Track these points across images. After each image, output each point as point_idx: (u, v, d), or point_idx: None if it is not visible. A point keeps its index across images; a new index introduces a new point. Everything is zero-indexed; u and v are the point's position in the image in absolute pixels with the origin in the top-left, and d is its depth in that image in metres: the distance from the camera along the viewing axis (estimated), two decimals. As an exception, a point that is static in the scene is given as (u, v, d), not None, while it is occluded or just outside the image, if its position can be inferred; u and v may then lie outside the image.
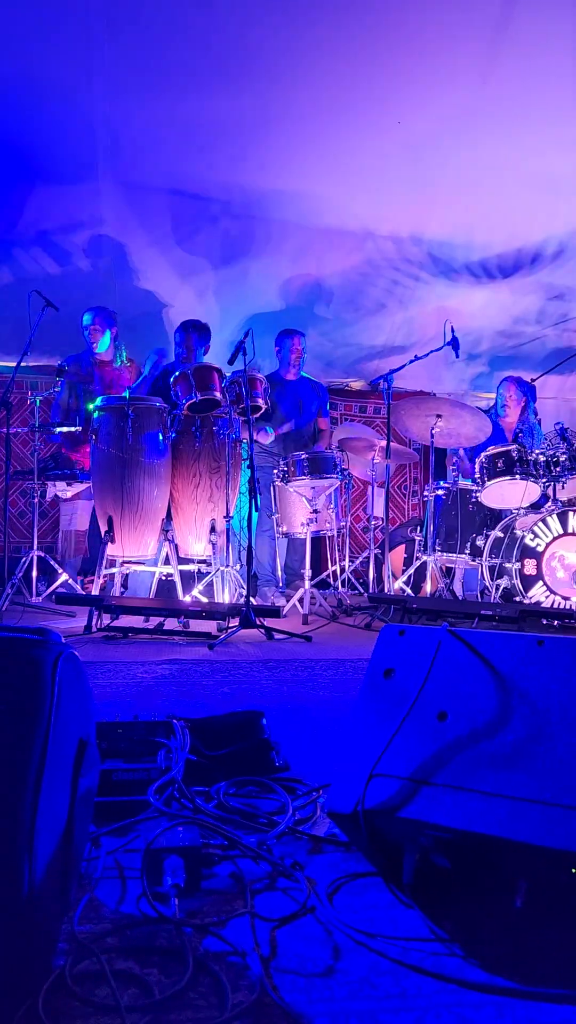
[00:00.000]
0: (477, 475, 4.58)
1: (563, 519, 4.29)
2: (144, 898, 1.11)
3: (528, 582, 4.25)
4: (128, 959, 0.99)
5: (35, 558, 4.29)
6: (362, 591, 5.09)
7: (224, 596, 4.18)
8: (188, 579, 4.27)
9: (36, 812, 0.86)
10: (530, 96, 5.05)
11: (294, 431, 5.22)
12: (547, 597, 4.24)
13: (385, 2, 4.53)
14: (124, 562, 4.25)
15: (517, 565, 4.26)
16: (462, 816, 1.08)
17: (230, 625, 3.71)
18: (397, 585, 4.77)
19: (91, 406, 4.35)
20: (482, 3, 4.52)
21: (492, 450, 4.51)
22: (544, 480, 4.42)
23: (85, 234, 5.64)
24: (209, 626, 3.76)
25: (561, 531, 4.28)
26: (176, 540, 4.28)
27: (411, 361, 4.91)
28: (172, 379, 4.21)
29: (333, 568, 4.96)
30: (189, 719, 1.68)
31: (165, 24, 4.64)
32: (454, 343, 4.78)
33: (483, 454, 4.55)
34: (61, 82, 4.91)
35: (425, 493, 4.85)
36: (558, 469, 4.38)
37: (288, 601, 4.53)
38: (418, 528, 5.00)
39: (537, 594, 4.24)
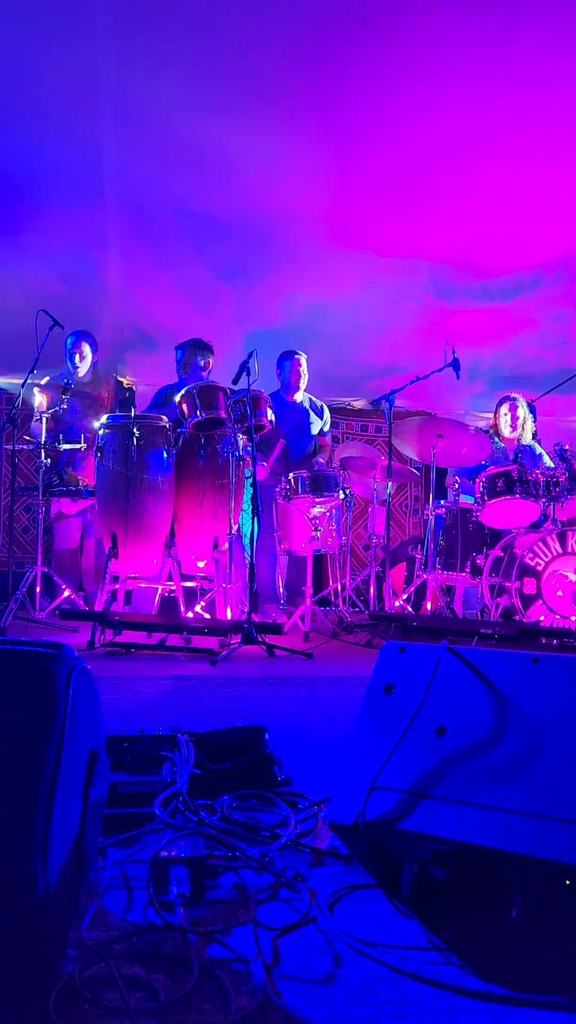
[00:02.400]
0: (477, 495, 4.62)
1: (562, 539, 4.33)
2: (150, 907, 1.15)
3: (528, 601, 4.28)
4: (135, 965, 1.03)
5: (39, 573, 4.33)
6: (363, 609, 5.11)
7: (226, 613, 4.21)
8: (191, 595, 4.31)
9: (50, 819, 0.89)
10: (530, 122, 5.15)
11: (293, 449, 5.26)
12: (546, 616, 4.27)
13: (386, 31, 4.64)
14: (127, 578, 4.28)
15: (517, 584, 4.29)
16: (459, 828, 1.11)
17: (232, 641, 3.74)
18: (398, 603, 4.80)
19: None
20: (482, 32, 4.62)
21: (492, 470, 4.56)
22: (544, 500, 4.46)
23: (92, 253, 5.72)
24: (211, 642, 3.78)
25: (560, 551, 4.31)
26: (179, 556, 4.32)
27: (412, 381, 4.95)
28: (178, 398, 4.27)
29: (334, 586, 4.99)
30: (193, 733, 1.71)
31: (171, 52, 4.75)
32: (455, 364, 4.82)
33: (483, 474, 4.59)
34: (70, 105, 5.02)
35: (426, 512, 4.89)
36: (557, 489, 4.42)
37: (289, 618, 4.56)
38: (419, 546, 5.03)
39: (536, 613, 4.27)
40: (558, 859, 1.03)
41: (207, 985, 0.99)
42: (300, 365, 5.27)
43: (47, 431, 4.42)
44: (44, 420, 4.44)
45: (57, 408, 4.50)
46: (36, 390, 4.51)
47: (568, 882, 1.05)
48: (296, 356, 5.29)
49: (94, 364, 5.06)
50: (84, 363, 4.99)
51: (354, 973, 1.03)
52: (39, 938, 0.90)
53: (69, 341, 4.96)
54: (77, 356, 4.97)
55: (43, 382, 4.58)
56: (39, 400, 4.49)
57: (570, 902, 1.06)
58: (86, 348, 4.99)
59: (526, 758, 1.13)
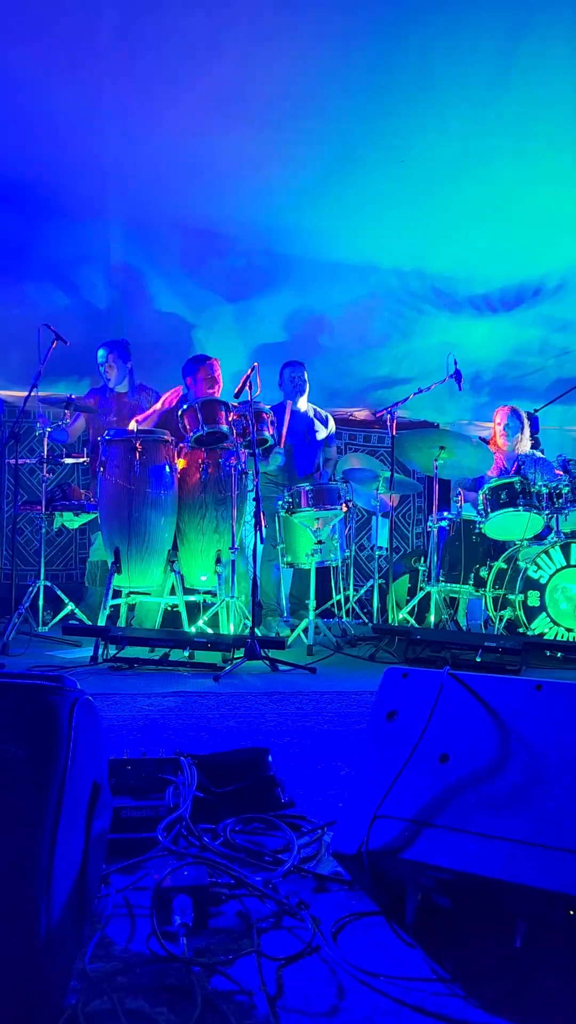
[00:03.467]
0: (480, 506, 4.61)
1: (566, 551, 4.32)
2: (153, 937, 1.14)
3: (531, 614, 4.27)
4: (138, 998, 1.02)
5: (42, 587, 4.33)
6: (366, 621, 5.11)
7: (229, 627, 4.21)
8: (194, 610, 4.31)
9: (53, 855, 0.89)
10: (530, 134, 5.17)
11: (298, 457, 5.27)
12: (550, 629, 4.26)
13: (388, 47, 4.66)
14: (130, 593, 4.29)
15: (520, 597, 4.28)
16: (462, 858, 1.11)
17: (235, 656, 3.74)
18: (401, 615, 4.80)
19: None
20: (482, 50, 4.64)
21: (495, 481, 4.56)
22: (547, 512, 4.45)
23: (94, 267, 5.75)
24: (214, 657, 3.78)
25: (564, 563, 4.30)
26: (182, 571, 4.32)
27: (415, 393, 4.96)
28: (180, 412, 4.28)
29: (337, 598, 4.99)
30: (196, 755, 1.71)
31: (174, 66, 4.78)
32: (457, 375, 4.82)
33: (486, 486, 4.59)
34: (72, 120, 5.05)
35: (429, 524, 4.88)
36: (561, 500, 4.42)
37: (293, 631, 4.56)
38: (422, 558, 5.03)
39: (540, 626, 4.26)
40: (562, 890, 1.02)
41: (210, 1019, 0.98)
42: (300, 374, 5.28)
43: (91, 440, 4.47)
44: (46, 432, 4.47)
45: (59, 423, 4.52)
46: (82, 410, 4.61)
47: (572, 912, 1.05)
48: (296, 365, 5.31)
49: (129, 373, 5.03)
50: (115, 374, 4.97)
51: (358, 1005, 1.03)
52: (42, 974, 0.90)
53: (101, 354, 4.94)
54: (107, 368, 4.95)
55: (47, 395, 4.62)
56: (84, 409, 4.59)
57: (574, 933, 1.06)
58: (114, 358, 4.95)
59: (530, 787, 1.13)
